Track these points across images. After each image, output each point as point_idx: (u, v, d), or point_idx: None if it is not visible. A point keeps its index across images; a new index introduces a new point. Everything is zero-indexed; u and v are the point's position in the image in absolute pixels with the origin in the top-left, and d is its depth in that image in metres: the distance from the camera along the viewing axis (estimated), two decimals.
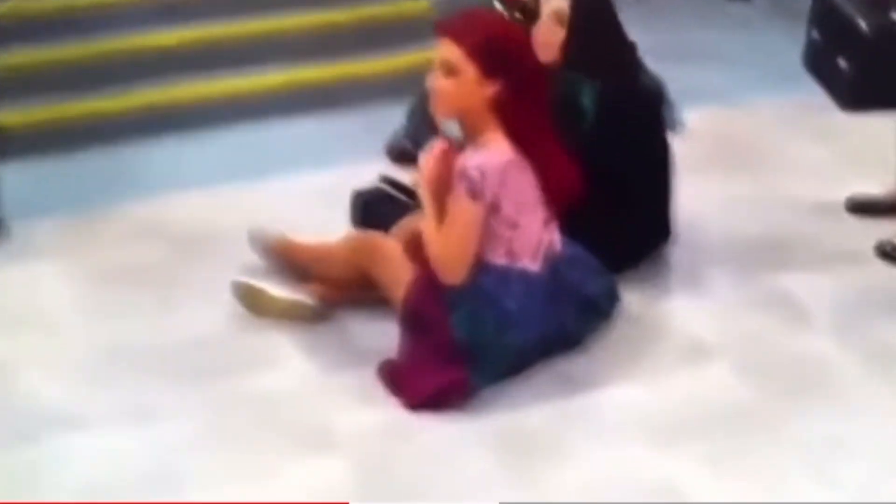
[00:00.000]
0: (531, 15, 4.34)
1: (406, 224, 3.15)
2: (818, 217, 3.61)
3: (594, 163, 3.00)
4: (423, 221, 2.81)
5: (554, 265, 2.85)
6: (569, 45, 3.12)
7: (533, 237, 2.81)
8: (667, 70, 3.32)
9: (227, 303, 3.20)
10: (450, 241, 2.75)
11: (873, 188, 3.66)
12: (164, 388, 2.90)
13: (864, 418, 2.71)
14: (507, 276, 2.78)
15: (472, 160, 2.70)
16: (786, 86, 4.13)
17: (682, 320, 3.12)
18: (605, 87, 3.13)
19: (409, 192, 3.72)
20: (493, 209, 2.72)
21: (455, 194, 2.71)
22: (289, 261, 3.29)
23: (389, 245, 3.03)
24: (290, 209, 3.80)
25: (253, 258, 3.41)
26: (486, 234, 2.76)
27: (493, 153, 2.71)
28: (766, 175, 3.91)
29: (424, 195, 2.82)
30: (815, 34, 3.25)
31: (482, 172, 2.68)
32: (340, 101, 4.69)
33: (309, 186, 3.98)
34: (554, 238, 2.89)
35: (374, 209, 3.65)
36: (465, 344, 2.75)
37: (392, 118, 4.34)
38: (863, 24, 2.98)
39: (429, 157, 2.86)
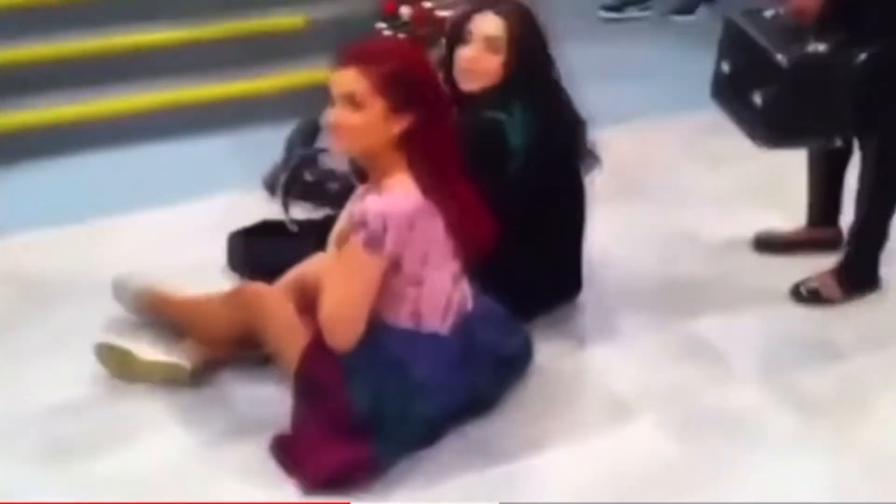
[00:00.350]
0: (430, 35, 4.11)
1: (297, 273, 2.83)
2: (726, 255, 3.45)
3: (515, 204, 2.76)
4: (325, 280, 2.49)
5: (465, 324, 2.58)
6: (506, 74, 2.86)
7: (441, 295, 2.52)
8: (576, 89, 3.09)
9: (89, 363, 2.81)
10: (340, 300, 2.44)
11: (773, 220, 3.54)
12: (12, 470, 2.52)
13: (795, 475, 2.53)
14: (413, 341, 2.48)
15: (374, 206, 2.40)
16: (691, 104, 4.02)
17: (600, 373, 2.89)
18: (541, 121, 2.87)
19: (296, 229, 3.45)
20: (395, 265, 2.43)
21: (350, 245, 2.40)
22: (160, 315, 2.92)
23: (277, 299, 2.70)
24: (160, 248, 3.45)
25: (119, 308, 3.04)
26: (387, 293, 2.45)
27: (398, 198, 2.41)
28: (666, 204, 3.75)
29: (332, 252, 2.51)
30: (725, 66, 3.07)
31: (385, 221, 2.37)
32: (215, 123, 4.34)
33: (182, 220, 3.64)
34: (465, 294, 2.62)
35: (255, 253, 3.32)
36: (367, 416, 2.45)
37: (273, 140, 4.02)
38: (780, 58, 2.80)
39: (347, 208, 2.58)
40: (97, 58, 4.39)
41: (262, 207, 3.60)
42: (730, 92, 3.05)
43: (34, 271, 3.33)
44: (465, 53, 2.89)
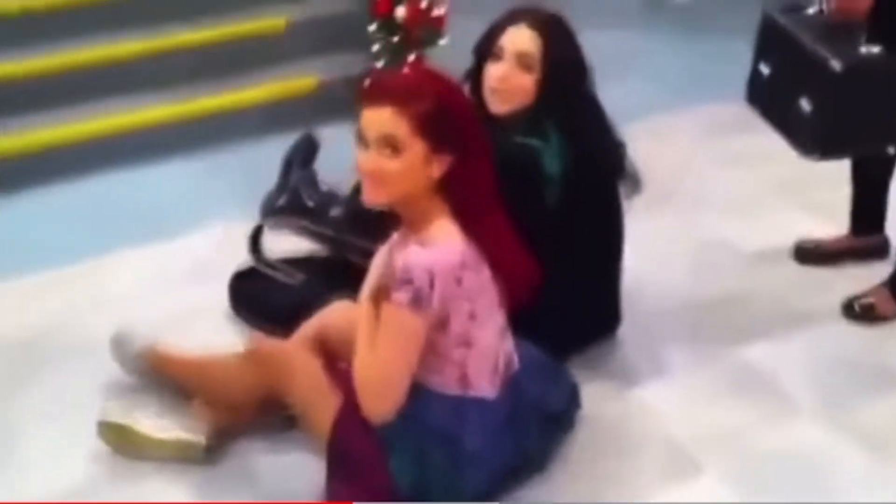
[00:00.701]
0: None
1: (317, 324, 2.56)
2: (765, 267, 3.22)
3: (551, 236, 2.50)
4: (360, 341, 2.22)
5: (513, 382, 2.33)
6: (540, 94, 2.59)
7: (490, 355, 2.27)
8: None
9: (88, 437, 2.52)
10: (381, 365, 2.18)
11: (807, 224, 3.32)
12: None
13: None
14: (460, 409, 2.22)
15: (419, 260, 2.12)
16: (696, 99, 3.79)
17: (651, 416, 2.64)
18: (579, 146, 2.60)
19: (300, 264, 3.18)
20: (441, 324, 2.17)
21: (392, 303, 2.13)
22: (167, 378, 2.64)
23: (302, 356, 2.43)
24: (150, 295, 3.15)
25: (113, 367, 2.75)
26: (431, 356, 2.20)
27: (445, 250, 2.14)
28: (689, 211, 3.51)
29: (366, 308, 2.24)
30: (765, 68, 2.82)
31: (432, 277, 2.11)
32: (191, 144, 4.01)
33: (171, 260, 3.33)
34: (510, 349, 2.37)
35: (262, 296, 3.05)
36: (411, 492, 2.20)
37: (258, 159, 3.67)
38: (834, 63, 2.56)
39: (381, 257, 2.31)
40: (44, 77, 3.90)
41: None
42: (770, 96, 2.82)
43: (13, 330, 3.00)
44: (495, 72, 2.61)
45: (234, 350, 2.57)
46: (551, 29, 2.64)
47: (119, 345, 2.75)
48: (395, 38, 3.89)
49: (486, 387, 2.26)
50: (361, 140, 2.17)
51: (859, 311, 2.95)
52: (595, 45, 2.72)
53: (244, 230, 3.39)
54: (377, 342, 2.17)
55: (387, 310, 2.15)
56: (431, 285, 2.09)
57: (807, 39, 2.68)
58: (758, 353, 2.85)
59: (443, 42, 3.93)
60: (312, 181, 3.54)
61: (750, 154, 3.76)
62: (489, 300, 2.22)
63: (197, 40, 4.21)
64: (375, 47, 4.01)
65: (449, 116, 2.14)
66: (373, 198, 2.21)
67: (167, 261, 3.32)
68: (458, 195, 2.17)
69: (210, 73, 4.20)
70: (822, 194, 3.48)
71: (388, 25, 3.89)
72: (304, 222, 3.32)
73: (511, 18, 2.65)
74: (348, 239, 3.16)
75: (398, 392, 2.18)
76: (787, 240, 3.29)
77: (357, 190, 2.65)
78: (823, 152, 2.70)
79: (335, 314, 2.57)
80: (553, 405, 2.43)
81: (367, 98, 2.16)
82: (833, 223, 3.30)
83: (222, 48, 4.26)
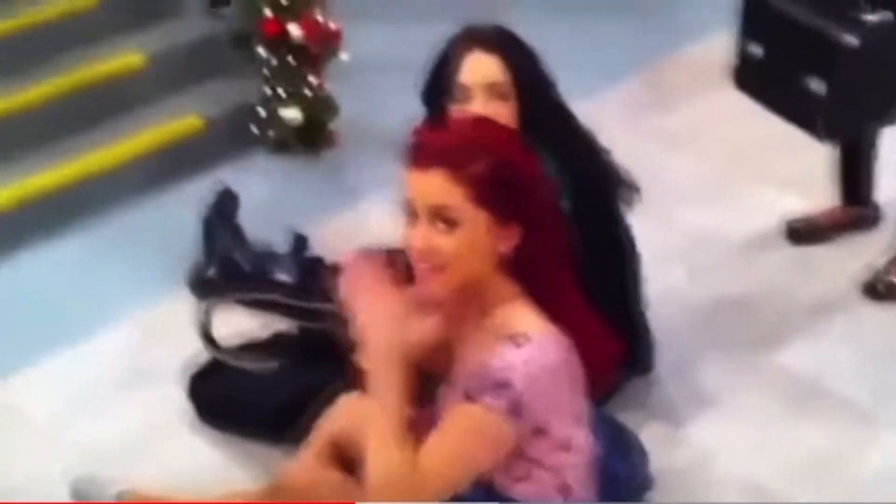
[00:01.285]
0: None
1: (326, 435, 2.14)
2: (762, 254, 3.00)
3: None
4: (374, 425, 1.75)
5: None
6: (523, 122, 2.21)
7: (587, 452, 1.91)
8: None
9: None
10: (439, 465, 1.71)
11: (780, 198, 3.13)
12: None
13: None
14: None
15: (518, 362, 1.70)
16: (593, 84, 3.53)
17: (718, 461, 2.37)
18: (574, 170, 2.28)
19: (268, 346, 2.73)
20: (541, 430, 1.81)
21: (482, 408, 1.70)
22: None
23: (329, 483, 2.02)
24: (83, 411, 2.63)
25: None
26: (521, 462, 1.81)
27: (544, 348, 1.73)
28: (657, 203, 3.22)
29: (379, 370, 1.73)
30: (756, 48, 2.57)
31: (534, 381, 1.71)
32: (80, 210, 3.40)
33: (93, 362, 2.80)
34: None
35: (235, 398, 2.58)
36: None
37: (155, 219, 3.29)
38: (849, 39, 2.33)
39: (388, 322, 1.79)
40: None
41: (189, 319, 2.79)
42: (767, 79, 2.57)
43: None
44: (470, 113, 2.20)
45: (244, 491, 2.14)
46: (508, 46, 2.28)
47: (82, 496, 2.25)
48: (290, 59, 3.44)
49: (586, 493, 1.90)
50: (408, 212, 1.76)
51: (884, 291, 2.78)
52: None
53: (169, 311, 2.94)
54: (441, 438, 1.72)
55: (468, 409, 1.72)
56: (532, 394, 1.71)
57: (803, 15, 2.45)
58: (794, 356, 2.63)
59: (344, 57, 3.51)
60: (243, 241, 3.09)
61: (681, 134, 3.56)
62: (582, 393, 1.86)
63: (44, 93, 3.60)
64: (265, 71, 3.54)
65: (513, 178, 1.74)
66: (433, 289, 1.78)
67: (85, 368, 2.79)
68: (529, 274, 1.77)
69: (67, 131, 3.58)
70: (779, 166, 3.32)
71: (280, 45, 3.43)
72: (252, 293, 2.88)
73: (459, 49, 2.26)
74: (312, 305, 2.75)
75: (448, 492, 1.73)
76: (771, 221, 3.08)
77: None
78: (841, 132, 2.49)
79: (346, 415, 2.17)
80: (634, 479, 2.12)
81: (412, 161, 1.75)
82: (807, 194, 3.12)
83: (75, 100, 3.63)
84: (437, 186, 1.71)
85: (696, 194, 3.27)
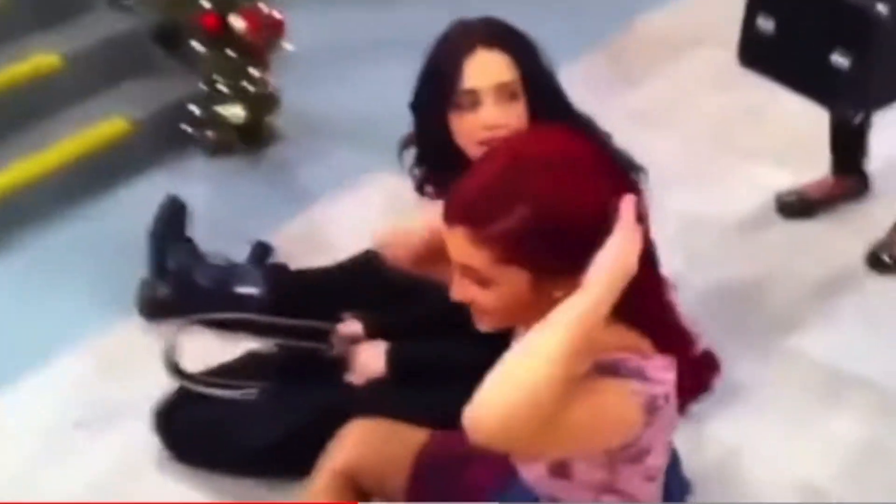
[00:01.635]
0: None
1: (343, 457, 1.88)
2: (757, 233, 2.86)
3: None
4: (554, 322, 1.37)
5: None
6: (536, 118, 1.97)
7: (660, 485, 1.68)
8: None
9: None
10: (569, 426, 1.38)
11: (766, 175, 2.99)
12: None
13: None
14: None
15: (663, 366, 1.47)
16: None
17: (768, 467, 2.21)
18: None
19: (236, 372, 2.45)
20: (640, 455, 1.52)
21: (618, 379, 1.44)
22: None
23: None
24: (41, 463, 2.33)
25: None
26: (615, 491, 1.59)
27: (662, 364, 1.48)
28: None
29: (602, 283, 1.39)
30: (766, 23, 2.39)
31: (667, 393, 1.46)
32: (4, 228, 3.05)
33: (44, 402, 2.49)
34: None
35: (216, 432, 2.30)
36: None
37: (82, 235, 2.97)
38: (881, 8, 2.17)
39: None
40: None
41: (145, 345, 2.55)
42: (782, 55, 2.40)
43: None
44: (486, 119, 1.96)
45: None
46: (510, 39, 2.04)
47: None
48: (230, 53, 3.14)
49: None
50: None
51: (891, 262, 2.66)
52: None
53: (122, 338, 2.66)
54: (574, 402, 1.38)
55: (612, 384, 1.44)
56: (668, 402, 1.47)
57: None
58: (814, 343, 2.49)
59: (289, 47, 3.23)
60: (198, 255, 2.81)
61: (651, 110, 3.39)
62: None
63: None
64: (201, 67, 3.25)
65: (559, 224, 1.42)
66: (481, 326, 1.55)
67: (36, 408, 2.49)
68: (621, 304, 1.44)
69: None
70: (755, 138, 3.20)
71: (221, 39, 3.13)
72: (217, 312, 2.60)
73: (457, 49, 1.99)
74: (291, 321, 2.49)
75: (531, 436, 1.37)
76: (760, 197, 2.94)
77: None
78: (870, 107, 2.35)
79: (361, 442, 1.92)
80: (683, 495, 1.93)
81: (444, 212, 1.49)
82: (789, 166, 3.00)
83: None
84: (459, 248, 1.45)
85: (680, 175, 3.09)
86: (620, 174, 1.59)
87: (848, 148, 2.86)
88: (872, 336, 2.50)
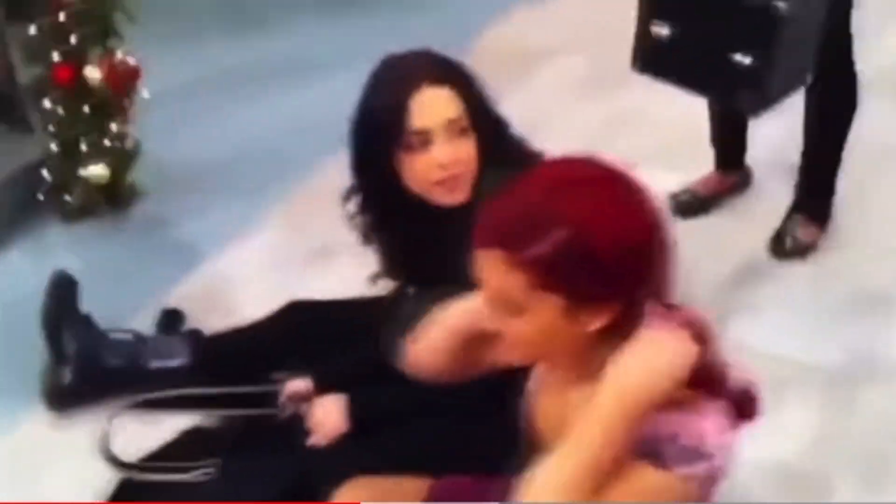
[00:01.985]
0: None
1: None
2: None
3: None
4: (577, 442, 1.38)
5: None
6: (484, 153, 1.94)
7: None
8: None
9: None
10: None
11: (651, 175, 3.06)
12: None
13: None
14: None
15: (718, 430, 1.42)
16: None
17: None
18: None
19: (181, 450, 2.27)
20: None
21: (670, 471, 1.39)
22: None
23: None
24: None
25: None
26: None
27: (722, 423, 1.44)
28: None
29: (627, 409, 1.37)
30: (662, 28, 2.43)
31: (725, 457, 1.42)
32: None
33: None
34: None
35: None
36: None
37: None
38: (780, 6, 2.25)
39: None
40: None
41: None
42: (680, 59, 2.44)
43: None
44: (438, 157, 1.90)
45: None
46: (452, 73, 2.00)
47: None
48: (86, 107, 2.89)
49: None
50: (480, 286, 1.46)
51: (793, 247, 2.80)
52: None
53: (34, 434, 2.40)
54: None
55: (657, 477, 1.41)
56: (727, 462, 1.43)
57: None
58: (745, 335, 2.51)
59: (145, 95, 3.01)
60: (98, 333, 2.57)
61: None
62: None
63: None
64: (51, 127, 2.98)
65: (594, 251, 1.38)
66: (509, 360, 1.51)
67: None
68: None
69: None
70: (629, 144, 3.25)
71: (74, 93, 2.87)
72: (149, 394, 2.41)
73: (401, 88, 1.92)
74: (228, 390, 2.35)
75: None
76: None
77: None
78: (770, 103, 2.42)
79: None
80: None
81: (477, 235, 1.43)
82: (674, 167, 3.06)
83: None
84: (494, 271, 1.40)
85: None
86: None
87: (731, 143, 2.99)
88: (798, 320, 2.61)
